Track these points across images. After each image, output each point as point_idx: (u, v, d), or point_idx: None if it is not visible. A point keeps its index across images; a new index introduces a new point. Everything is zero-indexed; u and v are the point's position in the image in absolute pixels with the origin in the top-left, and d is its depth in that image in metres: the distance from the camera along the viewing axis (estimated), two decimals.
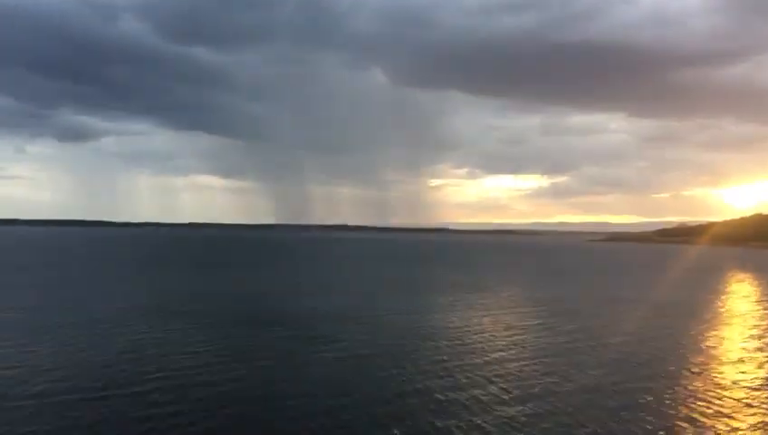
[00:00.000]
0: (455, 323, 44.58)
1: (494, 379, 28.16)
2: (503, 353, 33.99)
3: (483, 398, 25.03)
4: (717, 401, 25.27)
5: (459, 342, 37.25)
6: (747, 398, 25.91)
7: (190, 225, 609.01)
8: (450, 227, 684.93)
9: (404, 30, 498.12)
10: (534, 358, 33.01)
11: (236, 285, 68.50)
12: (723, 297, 66.92)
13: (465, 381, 27.84)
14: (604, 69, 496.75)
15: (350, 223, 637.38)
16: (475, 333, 40.18)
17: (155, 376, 27.45)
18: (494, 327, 42.96)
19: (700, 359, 33.91)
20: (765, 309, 55.73)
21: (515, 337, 39.29)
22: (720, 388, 27.46)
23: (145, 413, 22.14)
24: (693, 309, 54.10)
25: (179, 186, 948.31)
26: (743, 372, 30.56)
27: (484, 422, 21.98)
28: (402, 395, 25.27)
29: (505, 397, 25.27)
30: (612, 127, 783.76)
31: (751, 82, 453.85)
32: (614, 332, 41.84)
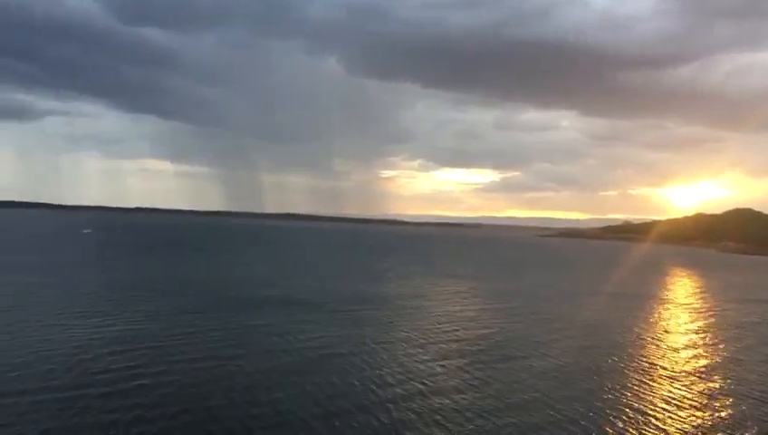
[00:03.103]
0: (430, 311, 46.67)
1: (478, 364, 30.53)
2: (479, 341, 36.31)
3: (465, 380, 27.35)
4: (670, 382, 28.20)
5: (431, 328, 39.36)
6: (693, 379, 28.92)
7: (138, 210, 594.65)
8: (402, 219, 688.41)
9: (360, 20, 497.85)
10: (507, 345, 35.32)
11: (213, 272, 69.06)
12: (668, 292, 70.90)
13: (445, 361, 30.12)
14: (557, 67, 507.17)
15: (302, 212, 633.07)
16: (450, 321, 42.39)
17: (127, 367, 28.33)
18: (474, 316, 45.23)
19: (654, 346, 37.01)
20: (705, 302, 60.19)
21: (492, 324, 41.61)
22: (672, 371, 30.50)
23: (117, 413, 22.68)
24: (643, 302, 57.40)
25: (128, 169, 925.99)
26: (690, 358, 33.75)
27: (455, 399, 24.23)
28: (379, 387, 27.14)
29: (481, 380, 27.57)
30: (564, 124, 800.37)
31: (696, 84, 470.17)
32: (578, 321, 44.62)
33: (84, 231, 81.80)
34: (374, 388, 24.98)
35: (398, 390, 24.89)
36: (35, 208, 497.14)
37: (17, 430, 19.12)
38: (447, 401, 23.59)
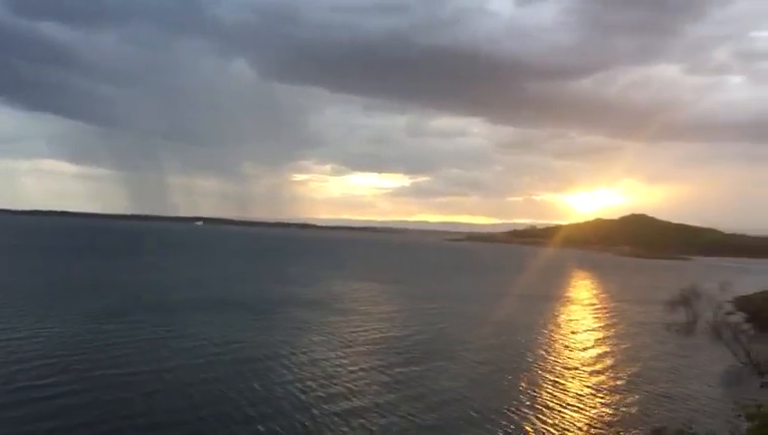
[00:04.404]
0: (350, 314, 47.42)
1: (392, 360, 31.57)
2: (399, 343, 37.48)
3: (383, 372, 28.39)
4: (577, 378, 30.38)
5: (353, 331, 40.24)
6: (597, 376, 31.26)
7: (34, 212, 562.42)
8: (314, 223, 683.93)
9: (269, 23, 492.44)
10: (425, 346, 36.65)
11: (127, 276, 66.94)
12: (572, 293, 74.88)
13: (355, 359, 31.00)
14: (467, 75, 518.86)
15: (210, 215, 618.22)
16: (369, 323, 43.35)
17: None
18: (392, 318, 46.34)
19: (560, 344, 39.46)
20: (604, 303, 64.27)
21: (410, 326, 42.82)
22: (577, 368, 32.80)
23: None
24: (549, 302, 60.51)
25: (22, 170, 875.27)
26: (593, 355, 36.33)
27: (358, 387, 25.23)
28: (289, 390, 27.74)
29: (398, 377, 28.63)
30: (474, 131, 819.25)
31: (595, 95, 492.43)
32: (491, 321, 46.56)
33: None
34: (296, 392, 25.50)
35: (321, 393, 25.53)
36: None
37: None
38: (369, 403, 24.49)
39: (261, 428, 21.33)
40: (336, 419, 22.51)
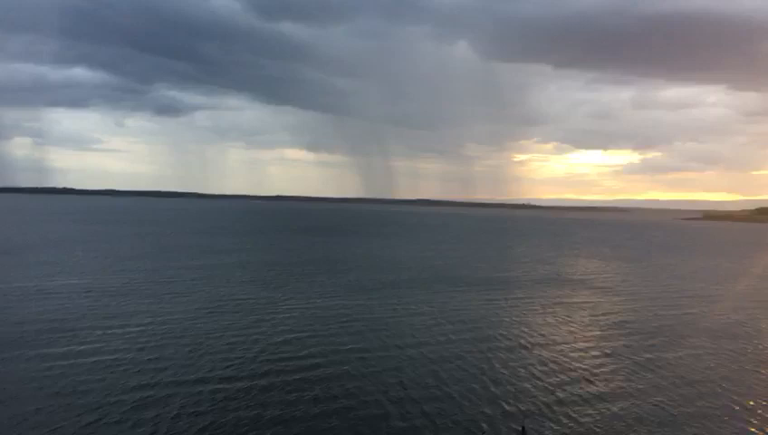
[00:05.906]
0: (596, 296, 46.10)
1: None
2: (654, 328, 35.56)
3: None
4: None
5: (604, 314, 39.20)
6: None
7: (278, 198, 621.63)
8: (535, 203, 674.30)
9: (489, 2, 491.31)
10: (682, 331, 34.37)
11: (383, 254, 71.53)
12: None
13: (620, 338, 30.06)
14: (700, 40, 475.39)
15: (434, 197, 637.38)
16: (618, 307, 41.92)
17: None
18: (638, 303, 44.16)
19: None
20: None
21: (659, 310, 40.38)
22: None
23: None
24: None
25: (268, 159, 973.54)
26: None
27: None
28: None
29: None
30: (710, 100, 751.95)
31: None
32: (745, 305, 42.72)
33: None
34: (539, 373, 25.34)
35: (563, 376, 25.16)
36: (185, 198, 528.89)
37: (209, 417, 19.55)
38: (617, 389, 23.72)
39: (501, 408, 21.24)
40: (581, 404, 21.99)
